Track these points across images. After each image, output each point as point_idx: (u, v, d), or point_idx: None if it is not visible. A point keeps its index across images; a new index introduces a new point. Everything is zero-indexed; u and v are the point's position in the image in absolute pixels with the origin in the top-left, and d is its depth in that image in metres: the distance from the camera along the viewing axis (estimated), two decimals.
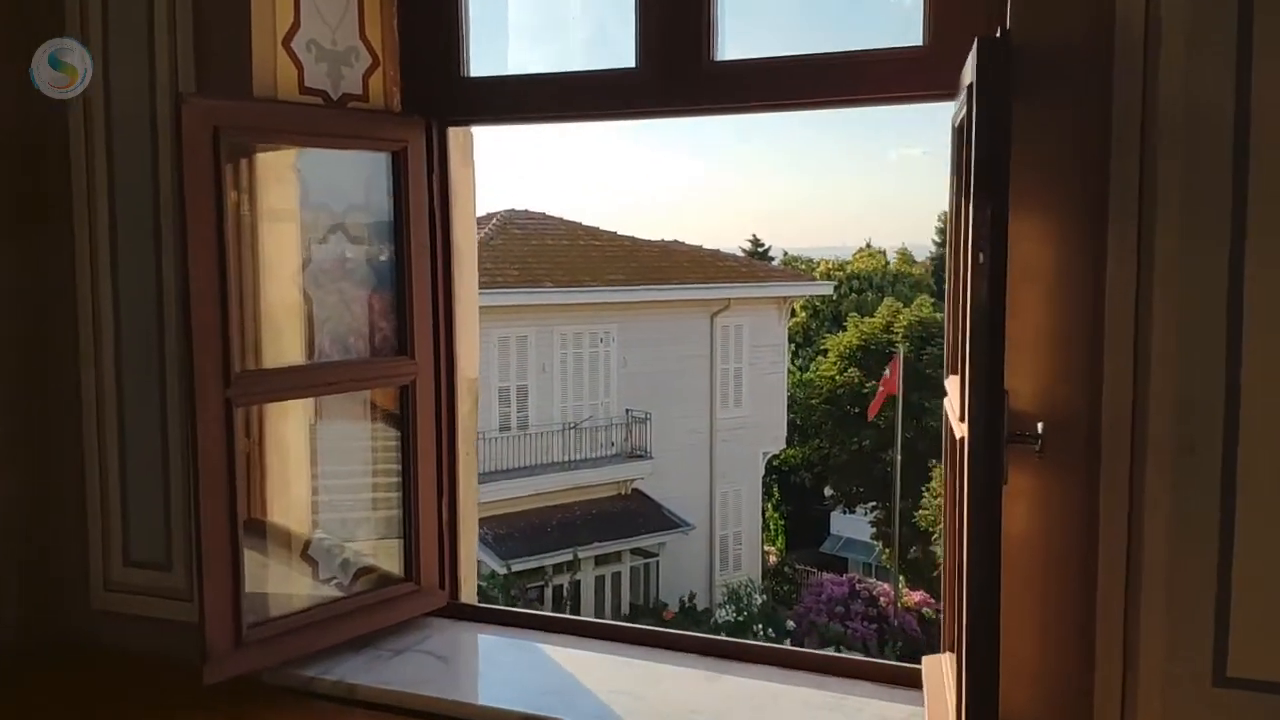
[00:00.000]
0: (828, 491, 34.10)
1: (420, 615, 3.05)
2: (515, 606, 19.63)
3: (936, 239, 57.28)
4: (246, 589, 2.69)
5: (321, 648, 2.81)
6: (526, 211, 25.67)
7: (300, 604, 2.93)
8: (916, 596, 25.89)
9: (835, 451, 29.32)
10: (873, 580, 28.22)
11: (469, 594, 3.14)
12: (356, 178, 3.02)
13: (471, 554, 3.14)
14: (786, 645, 20.31)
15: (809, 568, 32.28)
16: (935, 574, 30.20)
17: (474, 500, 3.13)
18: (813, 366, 32.17)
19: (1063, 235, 1.99)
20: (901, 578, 26.49)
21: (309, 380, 2.96)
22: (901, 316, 29.43)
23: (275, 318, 3.02)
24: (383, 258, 3.07)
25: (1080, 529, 1.96)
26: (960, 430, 1.91)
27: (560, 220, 25.75)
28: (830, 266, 48.91)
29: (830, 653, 2.44)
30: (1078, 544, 1.97)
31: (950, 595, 2.43)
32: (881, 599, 24.50)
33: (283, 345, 3.02)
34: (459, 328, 3.15)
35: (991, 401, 1.81)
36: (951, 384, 2.35)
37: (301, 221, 3.00)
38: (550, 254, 23.36)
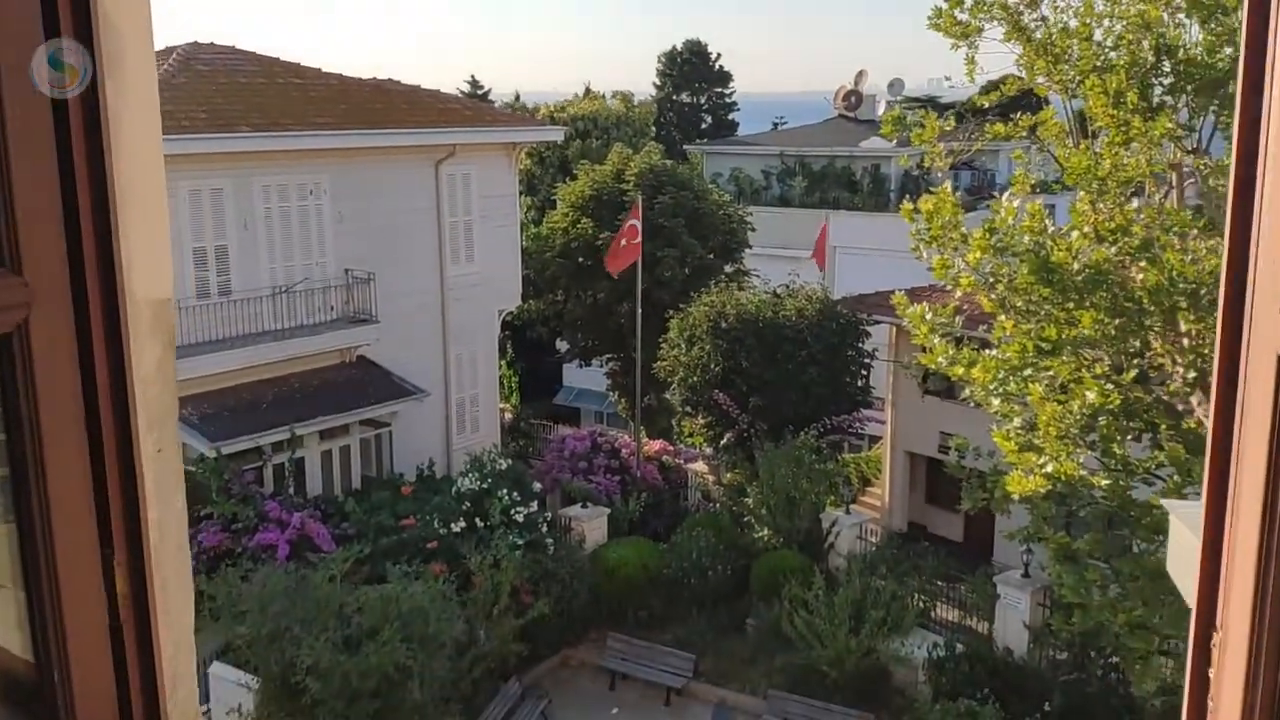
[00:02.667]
0: (561, 345, 33.38)
1: None
2: (230, 493, 17.88)
3: (657, 82, 56.56)
4: None
5: None
6: (213, 45, 22.34)
7: None
8: (655, 445, 25.87)
9: (571, 305, 28.39)
10: (613, 432, 27.98)
11: None
12: None
13: (187, 666, 1.59)
14: (541, 511, 19.46)
15: (545, 421, 31.88)
16: (669, 421, 30.43)
17: (181, 549, 1.60)
18: (545, 218, 30.77)
19: None
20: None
21: None
22: (633, 164, 28.41)
23: None
24: None
25: None
26: None
27: (255, 55, 22.58)
28: (550, 110, 47.10)
29: None
30: None
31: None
32: (623, 450, 24.22)
33: None
34: (123, 204, 1.56)
35: None
36: None
37: None
38: (245, 94, 20.44)
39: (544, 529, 19.14)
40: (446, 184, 22.63)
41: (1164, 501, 3.46)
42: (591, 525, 20.15)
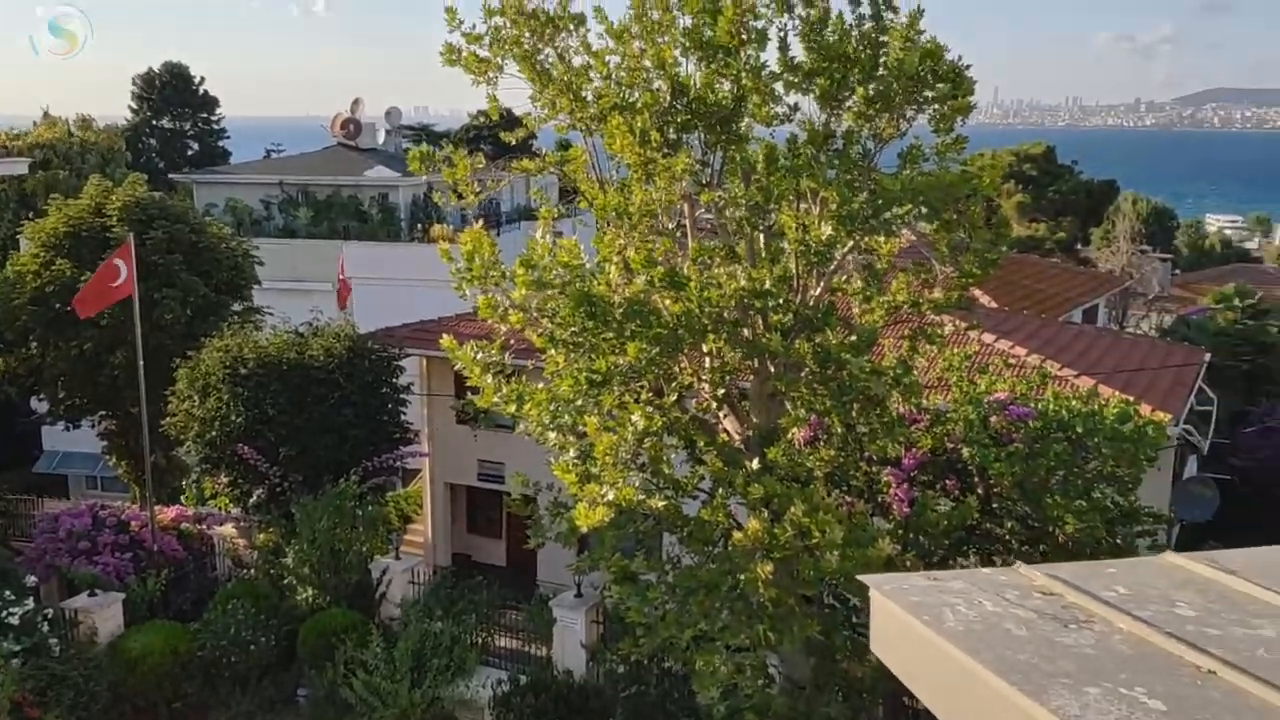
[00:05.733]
0: (39, 405, 29.00)
1: None
2: None
3: (134, 105, 51.32)
4: None
5: None
6: None
7: None
8: (172, 512, 23.15)
9: (50, 358, 24.66)
10: (118, 502, 24.73)
11: None
12: None
13: None
14: (38, 608, 16.30)
15: (24, 495, 27.70)
16: (182, 482, 27.56)
17: None
18: (9, 260, 26.50)
19: None
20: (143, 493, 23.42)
21: None
22: (115, 197, 25.34)
23: None
24: None
25: None
26: None
27: None
28: (6, 138, 41.22)
29: None
30: None
31: None
32: (133, 522, 21.41)
33: None
34: None
35: None
36: None
37: None
38: None
39: (45, 628, 16.30)
40: None
41: (865, 578, 3.40)
42: (104, 615, 17.53)
